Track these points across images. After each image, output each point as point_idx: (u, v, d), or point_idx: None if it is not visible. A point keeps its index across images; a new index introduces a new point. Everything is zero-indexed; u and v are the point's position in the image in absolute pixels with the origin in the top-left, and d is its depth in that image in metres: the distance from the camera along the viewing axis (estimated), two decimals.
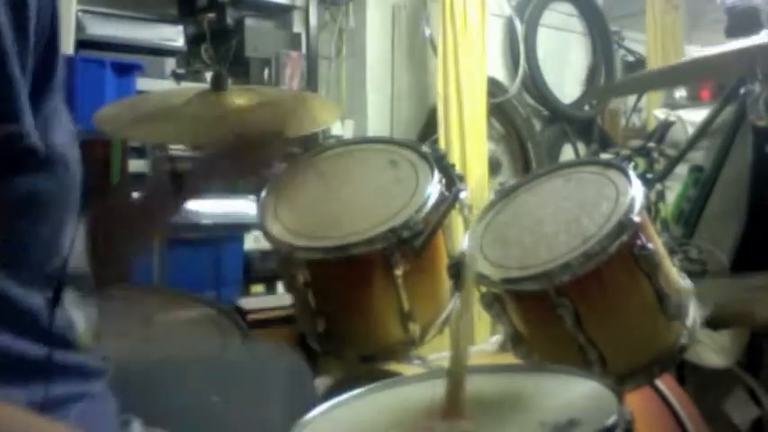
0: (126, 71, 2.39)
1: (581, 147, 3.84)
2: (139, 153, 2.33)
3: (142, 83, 2.45)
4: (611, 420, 0.75)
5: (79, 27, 2.45)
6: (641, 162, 2.28)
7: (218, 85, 1.64)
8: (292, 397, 1.14)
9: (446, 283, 1.38)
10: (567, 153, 3.77)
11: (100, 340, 0.80)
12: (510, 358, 1.26)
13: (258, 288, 2.59)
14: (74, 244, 0.74)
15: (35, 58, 0.65)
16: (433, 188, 1.34)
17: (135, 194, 1.25)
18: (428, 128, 3.18)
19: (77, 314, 0.76)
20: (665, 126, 2.38)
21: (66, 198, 0.72)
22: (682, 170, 2.20)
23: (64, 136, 0.70)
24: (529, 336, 1.23)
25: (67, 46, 2.34)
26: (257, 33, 2.89)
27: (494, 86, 3.30)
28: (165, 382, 1.05)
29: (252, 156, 1.28)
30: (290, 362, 1.25)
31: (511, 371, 1.05)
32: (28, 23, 0.63)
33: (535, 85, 3.62)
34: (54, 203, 0.70)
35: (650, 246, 1.15)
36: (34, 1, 0.63)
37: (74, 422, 0.69)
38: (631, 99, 3.80)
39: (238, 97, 1.63)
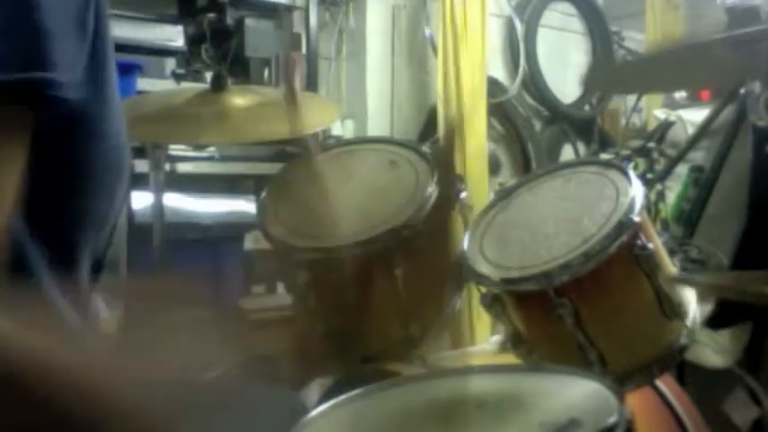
0: (126, 71, 2.38)
1: (581, 147, 3.84)
2: (139, 153, 2.33)
3: (142, 83, 2.45)
4: (612, 420, 0.75)
5: None
6: (641, 162, 2.28)
7: (218, 85, 1.64)
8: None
9: (446, 283, 1.38)
10: (567, 153, 3.77)
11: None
12: (510, 358, 1.26)
13: (258, 288, 2.59)
14: (118, 222, 0.76)
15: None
16: (433, 188, 1.34)
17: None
18: (428, 128, 3.18)
19: (103, 302, 0.77)
20: (665, 126, 2.38)
21: (118, 170, 0.74)
22: (682, 170, 2.20)
23: (116, 109, 0.73)
24: (529, 336, 1.23)
25: None
26: (257, 33, 2.89)
27: (494, 86, 3.30)
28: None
29: None
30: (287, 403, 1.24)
31: (511, 371, 1.04)
32: None
33: (535, 85, 3.62)
34: (107, 175, 0.73)
35: (650, 246, 1.15)
36: None
37: None
38: (631, 99, 3.80)
39: (238, 97, 1.63)
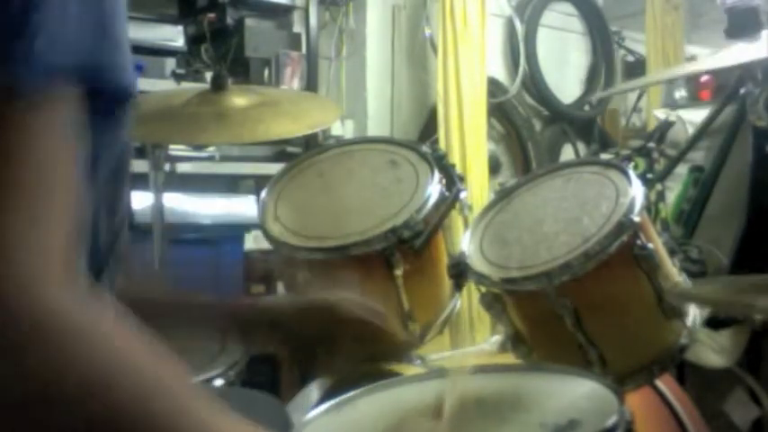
0: None
1: (581, 147, 3.84)
2: (139, 153, 2.33)
3: (142, 83, 2.45)
4: (612, 421, 0.75)
5: None
6: (641, 162, 2.28)
7: (218, 85, 1.64)
8: None
9: (446, 283, 1.38)
10: (567, 153, 3.77)
11: None
12: (510, 358, 1.26)
13: (258, 288, 2.59)
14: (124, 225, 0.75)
15: None
16: (433, 188, 1.34)
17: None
18: (428, 128, 3.17)
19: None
20: (665, 126, 2.38)
21: (126, 167, 0.74)
22: (682, 170, 2.20)
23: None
24: (529, 336, 1.23)
25: None
26: (257, 33, 2.89)
27: (494, 86, 3.30)
28: None
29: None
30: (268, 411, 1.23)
31: (511, 371, 1.05)
32: None
33: (535, 85, 3.62)
34: (121, 172, 0.74)
35: (650, 246, 1.15)
36: None
37: None
38: (631, 99, 3.80)
39: (238, 97, 1.63)
